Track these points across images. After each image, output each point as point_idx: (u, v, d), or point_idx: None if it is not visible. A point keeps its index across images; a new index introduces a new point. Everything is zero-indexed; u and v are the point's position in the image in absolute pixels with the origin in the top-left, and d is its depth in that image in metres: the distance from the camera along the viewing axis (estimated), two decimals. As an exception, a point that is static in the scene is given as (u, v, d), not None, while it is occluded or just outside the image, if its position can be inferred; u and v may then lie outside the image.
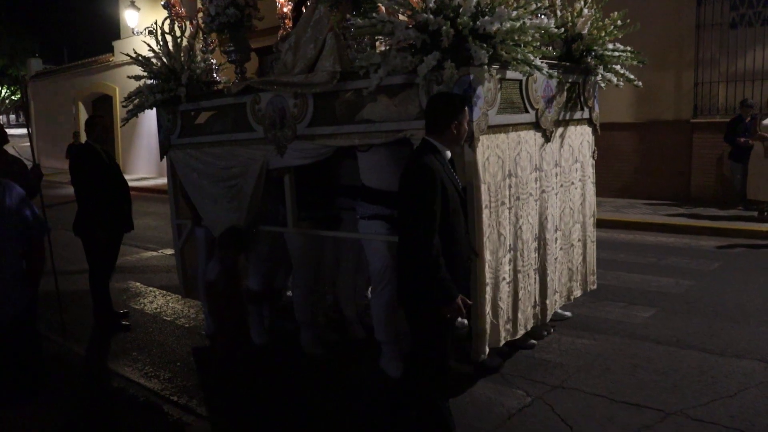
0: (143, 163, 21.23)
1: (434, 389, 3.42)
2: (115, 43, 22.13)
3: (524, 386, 4.19)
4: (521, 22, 3.62)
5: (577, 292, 5.02)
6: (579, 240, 5.01)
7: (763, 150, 9.41)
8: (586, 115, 5.00)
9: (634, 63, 4.82)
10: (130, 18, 19.95)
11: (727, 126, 10.10)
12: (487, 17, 3.57)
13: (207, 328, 5.45)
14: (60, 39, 30.32)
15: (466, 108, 3.36)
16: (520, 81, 4.16)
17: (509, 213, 4.09)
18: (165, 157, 5.59)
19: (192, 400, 4.32)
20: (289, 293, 6.09)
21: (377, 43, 4.49)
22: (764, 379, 4.13)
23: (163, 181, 19.30)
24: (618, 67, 4.85)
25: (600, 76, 4.85)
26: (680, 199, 10.95)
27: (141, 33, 19.73)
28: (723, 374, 4.24)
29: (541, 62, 3.88)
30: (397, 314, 4.29)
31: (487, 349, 3.99)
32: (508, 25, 3.56)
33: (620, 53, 4.76)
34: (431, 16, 3.58)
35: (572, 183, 4.87)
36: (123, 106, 5.34)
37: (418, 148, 3.33)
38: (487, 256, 3.88)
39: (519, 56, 3.70)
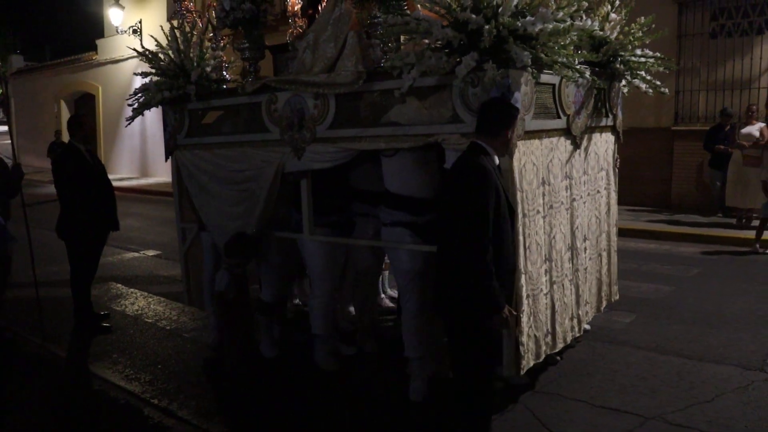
0: (126, 164, 20.85)
1: (478, 405, 3.21)
2: (99, 42, 21.61)
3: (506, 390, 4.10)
4: (567, 23, 3.37)
5: (603, 303, 4.80)
6: (604, 250, 4.78)
7: (742, 158, 9.47)
8: (610, 122, 4.79)
9: (660, 69, 4.58)
10: (114, 16, 19.45)
11: (707, 134, 10.06)
12: (528, 17, 3.32)
13: (213, 340, 5.13)
14: (42, 36, 29.72)
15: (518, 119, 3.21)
16: (553, 85, 3.92)
17: (543, 222, 3.84)
18: (170, 157, 5.24)
19: (173, 403, 4.22)
20: (297, 302, 5.82)
21: (406, 45, 4.20)
22: (741, 384, 4.13)
23: (145, 181, 19.16)
24: (642, 73, 4.62)
25: (624, 81, 4.61)
26: (661, 206, 10.92)
27: (125, 32, 19.74)
28: (701, 379, 4.23)
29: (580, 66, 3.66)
30: (425, 327, 4.08)
31: (531, 363, 3.75)
32: (550, 26, 3.30)
33: (647, 59, 4.54)
34: (473, 15, 3.32)
35: (598, 191, 4.65)
36: (128, 104, 5.08)
37: (470, 149, 3.15)
38: (528, 266, 3.64)
39: (561, 59, 3.46)
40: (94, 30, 22.79)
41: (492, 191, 2.98)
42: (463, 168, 3.09)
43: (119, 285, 7.19)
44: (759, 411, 3.78)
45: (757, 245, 8.10)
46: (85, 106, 23.04)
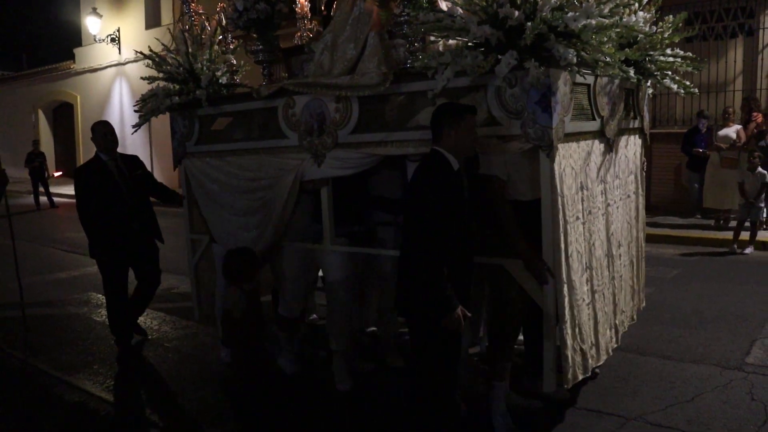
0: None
1: (438, 415, 3.19)
2: (77, 50, 21.14)
3: (486, 392, 3.97)
4: (614, 19, 3.13)
5: (634, 312, 4.54)
6: (634, 256, 4.51)
7: (720, 160, 9.61)
8: (638, 123, 4.56)
9: (689, 69, 4.34)
10: (92, 25, 19.03)
11: (684, 136, 10.04)
12: (570, 13, 3.06)
13: (226, 355, 4.78)
14: (19, 45, 29.33)
15: (469, 115, 3.11)
16: (588, 86, 3.67)
17: (583, 228, 3.58)
18: (179, 166, 4.96)
19: (154, 413, 4.14)
20: (314, 316, 5.51)
21: (434, 45, 3.92)
22: (720, 384, 4.11)
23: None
24: (670, 73, 4.34)
25: (650, 81, 4.36)
26: (640, 208, 11.17)
27: (103, 40, 19.59)
28: (680, 380, 4.19)
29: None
30: None
31: (580, 377, 3.50)
32: (594, 22, 3.04)
33: (675, 59, 4.27)
34: (515, 11, 3.08)
35: (628, 196, 4.38)
36: (135, 111, 4.81)
37: (427, 156, 3.16)
38: (571, 276, 3.39)
39: (605, 58, 3.22)
40: (71, 39, 22.46)
41: (444, 195, 3.01)
42: (418, 174, 3.10)
43: (99, 295, 7.00)
44: (737, 409, 3.75)
45: (735, 246, 8.15)
46: (63, 115, 22.66)
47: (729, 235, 8.45)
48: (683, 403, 3.89)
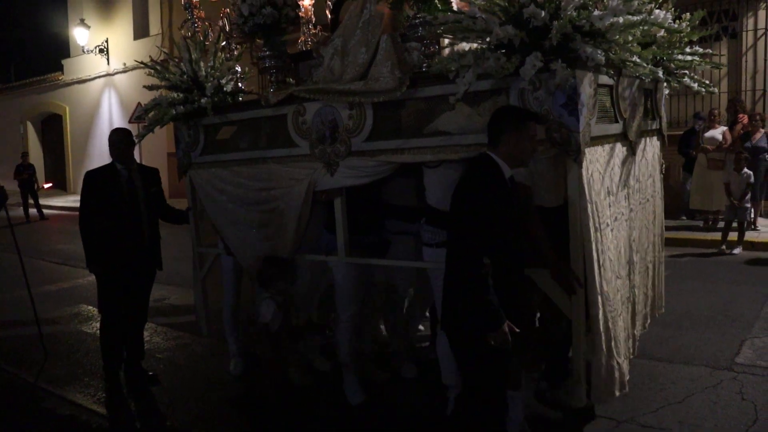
0: (95, 183, 20.61)
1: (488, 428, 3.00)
2: (65, 62, 20.93)
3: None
4: (642, 16, 2.97)
5: (648, 319, 4.40)
6: (651, 261, 4.35)
7: (706, 162, 9.66)
8: (656, 125, 4.41)
9: (708, 67, 4.25)
10: (80, 36, 18.82)
11: (680, 138, 9.95)
12: (596, 11, 2.91)
13: (235, 367, 4.69)
14: (7, 56, 29.28)
15: (532, 123, 2.89)
16: (611, 87, 3.49)
17: (612, 235, 3.40)
18: (184, 177, 4.79)
19: (145, 426, 4.08)
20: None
21: (448, 49, 3.75)
22: (710, 384, 4.07)
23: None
24: (688, 72, 4.24)
25: (666, 82, 4.23)
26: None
27: (91, 51, 19.53)
28: (671, 381, 4.16)
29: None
30: None
31: (617, 393, 3.35)
32: (622, 20, 2.88)
33: (693, 57, 4.13)
34: (539, 11, 2.92)
35: (647, 199, 4.23)
36: (134, 121, 4.93)
37: (475, 161, 2.94)
38: (604, 286, 3.21)
39: (634, 57, 3.08)
40: (60, 50, 22.37)
41: (494, 205, 2.76)
42: (465, 179, 2.88)
43: (90, 307, 6.92)
44: (727, 409, 3.73)
45: (724, 246, 8.12)
46: (52, 127, 22.47)
47: (718, 236, 8.44)
48: (674, 404, 3.85)
